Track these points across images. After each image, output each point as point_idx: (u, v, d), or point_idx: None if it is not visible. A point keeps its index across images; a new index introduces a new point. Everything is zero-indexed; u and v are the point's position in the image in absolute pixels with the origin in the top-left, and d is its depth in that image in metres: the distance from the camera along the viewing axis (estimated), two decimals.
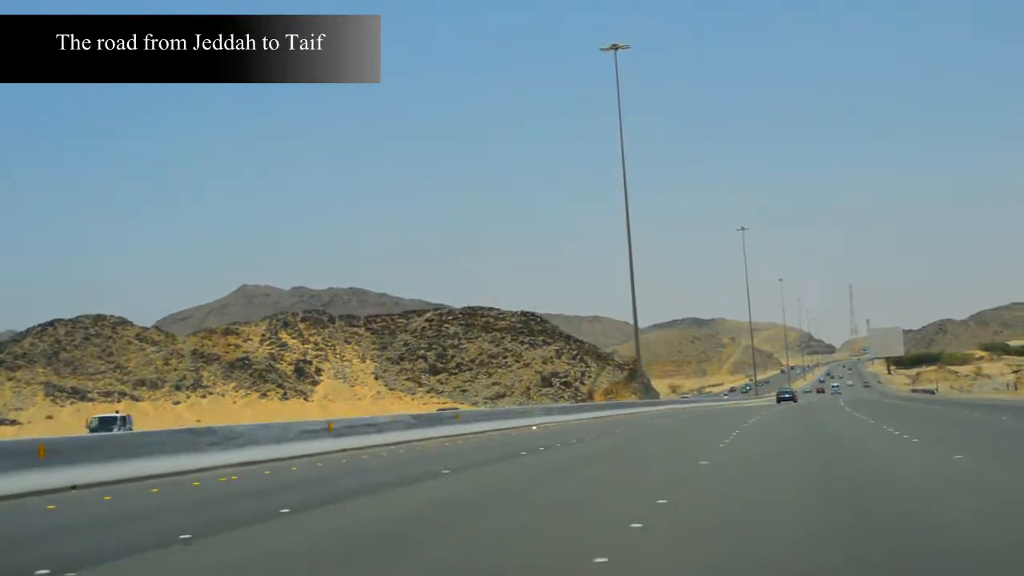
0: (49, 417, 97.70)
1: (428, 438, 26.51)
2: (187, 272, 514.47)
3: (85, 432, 30.16)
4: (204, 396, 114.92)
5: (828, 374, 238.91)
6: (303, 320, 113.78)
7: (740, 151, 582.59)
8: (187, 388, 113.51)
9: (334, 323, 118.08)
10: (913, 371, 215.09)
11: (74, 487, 14.07)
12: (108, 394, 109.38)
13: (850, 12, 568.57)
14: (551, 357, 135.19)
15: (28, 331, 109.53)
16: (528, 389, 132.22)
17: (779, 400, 75.82)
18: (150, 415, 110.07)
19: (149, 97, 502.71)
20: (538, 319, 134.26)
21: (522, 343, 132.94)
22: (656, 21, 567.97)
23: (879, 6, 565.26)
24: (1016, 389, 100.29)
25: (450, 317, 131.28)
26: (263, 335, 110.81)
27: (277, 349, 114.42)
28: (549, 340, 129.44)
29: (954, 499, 10.03)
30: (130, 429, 32.37)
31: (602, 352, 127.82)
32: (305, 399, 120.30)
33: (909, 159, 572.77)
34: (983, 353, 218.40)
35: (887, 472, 13.43)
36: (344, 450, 21.88)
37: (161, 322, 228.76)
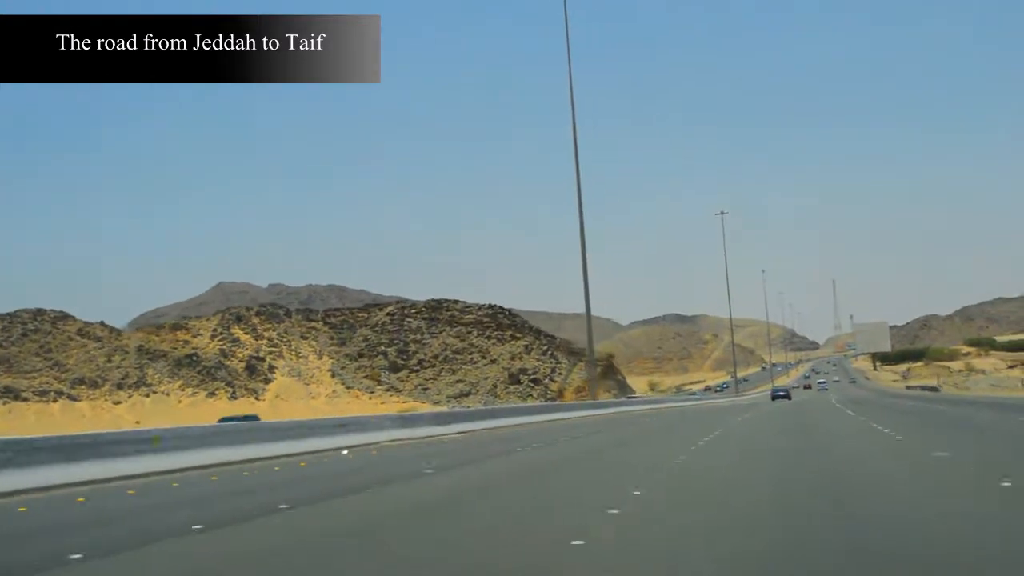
0: None
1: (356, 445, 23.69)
2: (166, 269, 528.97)
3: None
4: (147, 395, 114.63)
5: (813, 370, 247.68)
6: (258, 314, 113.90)
7: (727, 149, 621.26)
8: (129, 387, 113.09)
9: (290, 317, 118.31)
10: (900, 367, 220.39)
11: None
12: (44, 393, 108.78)
13: (833, 9, 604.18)
14: (520, 353, 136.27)
15: None
16: (495, 387, 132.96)
17: (773, 398, 78.75)
18: (87, 416, 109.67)
19: (147, 97, 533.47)
20: (507, 313, 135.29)
21: (489, 338, 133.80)
22: (646, 15, 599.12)
23: (860, 6, 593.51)
24: None
25: (413, 311, 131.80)
26: (214, 330, 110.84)
27: (229, 345, 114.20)
28: (518, 335, 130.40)
29: None
30: None
31: (574, 347, 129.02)
32: (256, 398, 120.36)
33: (893, 156, 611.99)
34: (970, 348, 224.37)
35: (919, 519, 8.79)
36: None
37: (136, 320, 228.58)
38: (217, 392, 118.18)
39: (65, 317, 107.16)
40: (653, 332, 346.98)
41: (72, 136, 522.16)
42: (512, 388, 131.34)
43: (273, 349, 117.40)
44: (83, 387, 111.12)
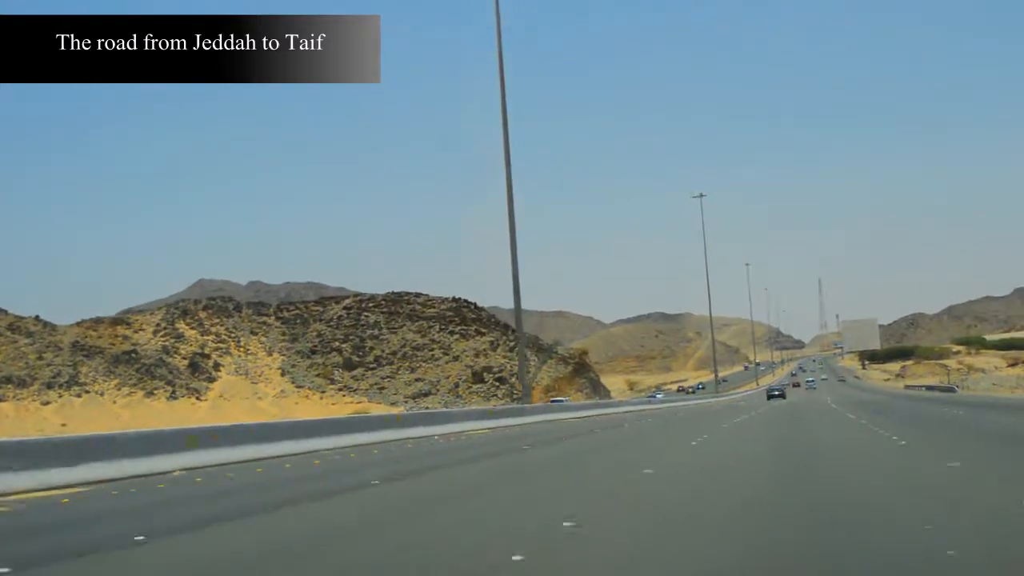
0: None
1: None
2: (146, 267, 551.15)
3: None
4: (79, 395, 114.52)
5: (800, 368, 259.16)
6: (205, 308, 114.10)
7: (714, 147, 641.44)
8: (60, 386, 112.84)
9: (240, 312, 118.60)
10: (889, 366, 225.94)
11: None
12: None
13: (821, 9, 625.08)
14: (485, 349, 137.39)
15: None
16: (456, 386, 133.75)
17: (769, 397, 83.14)
18: (10, 417, 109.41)
19: (138, 96, 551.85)
20: (472, 306, 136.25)
21: (452, 333, 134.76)
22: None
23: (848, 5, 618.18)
24: None
25: (371, 304, 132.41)
26: (158, 325, 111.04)
27: (172, 341, 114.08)
28: (483, 330, 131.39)
29: None
30: None
31: (545, 344, 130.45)
32: (198, 398, 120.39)
33: (879, 154, 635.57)
34: (960, 347, 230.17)
35: None
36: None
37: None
38: (156, 392, 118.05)
39: None
40: (635, 330, 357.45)
41: (57, 135, 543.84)
42: (476, 387, 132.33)
43: (220, 345, 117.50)
44: (9, 386, 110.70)
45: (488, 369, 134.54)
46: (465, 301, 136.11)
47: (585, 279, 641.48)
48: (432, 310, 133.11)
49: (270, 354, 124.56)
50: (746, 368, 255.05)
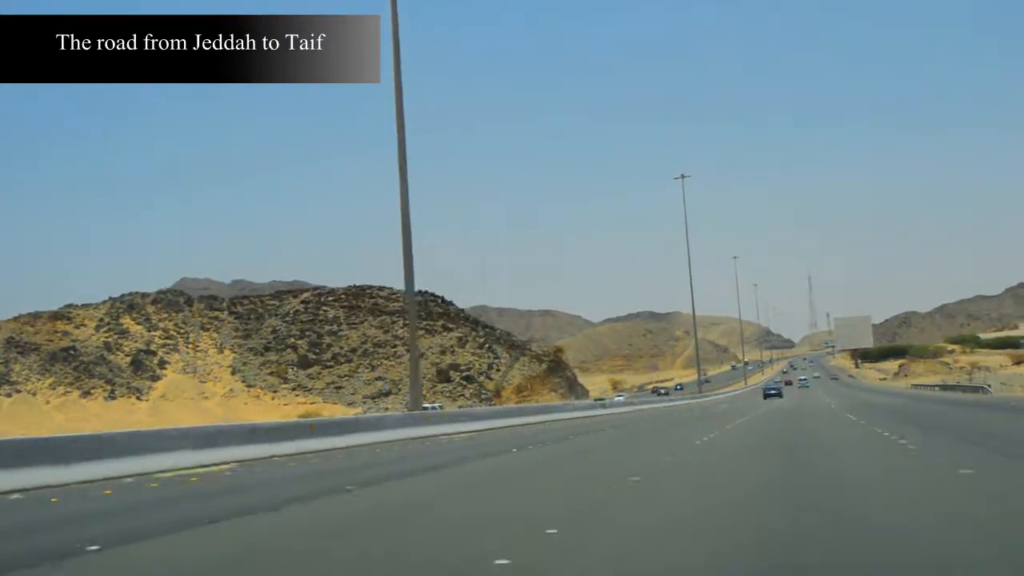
0: None
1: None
2: (130, 264, 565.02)
3: None
4: (9, 395, 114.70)
5: (791, 366, 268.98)
6: (154, 302, 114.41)
7: (707, 146, 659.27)
8: None
9: (192, 306, 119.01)
10: (883, 364, 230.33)
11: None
12: None
13: (813, 4, 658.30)
14: (452, 346, 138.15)
15: None
16: (421, 385, 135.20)
17: (765, 396, 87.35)
18: None
19: (141, 96, 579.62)
20: (438, 300, 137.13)
21: (417, 329, 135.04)
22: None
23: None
24: None
25: (331, 298, 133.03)
26: (101, 320, 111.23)
27: (115, 337, 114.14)
28: (451, 325, 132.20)
29: None
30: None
31: (517, 340, 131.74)
32: (138, 398, 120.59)
33: (869, 153, 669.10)
34: (954, 346, 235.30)
35: None
36: None
37: None
38: (93, 391, 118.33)
39: None
40: (623, 329, 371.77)
41: (57, 134, 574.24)
42: (441, 387, 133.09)
43: (168, 341, 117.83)
44: None
45: (455, 367, 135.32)
46: (432, 295, 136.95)
47: (575, 279, 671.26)
48: (396, 304, 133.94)
49: (221, 351, 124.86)
50: (734, 368, 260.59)
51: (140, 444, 18.58)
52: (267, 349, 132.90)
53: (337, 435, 26.67)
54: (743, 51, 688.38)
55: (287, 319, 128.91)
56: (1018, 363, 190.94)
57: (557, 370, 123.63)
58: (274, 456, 21.93)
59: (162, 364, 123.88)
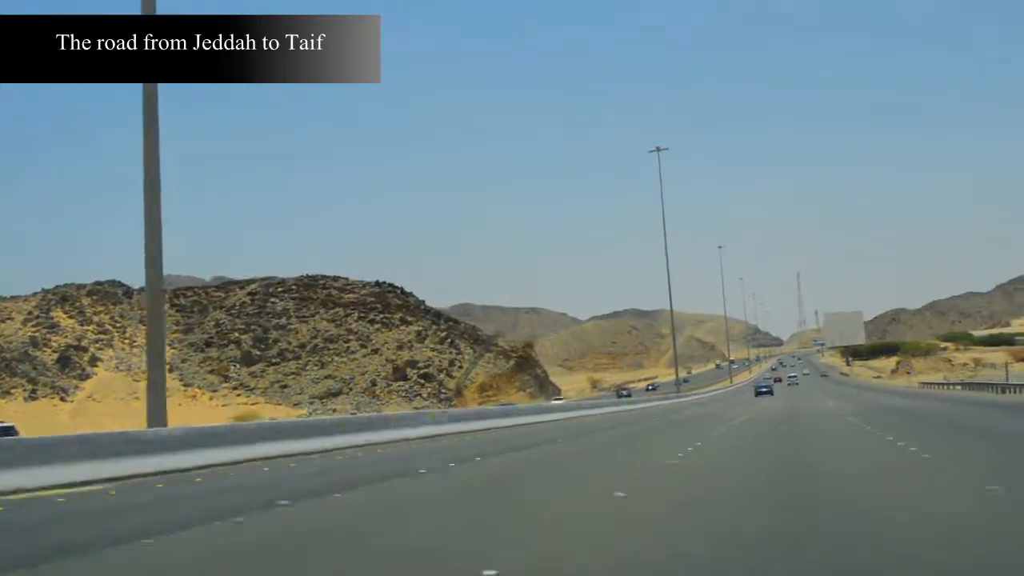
0: None
1: None
2: (113, 261, 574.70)
3: None
4: None
5: (780, 363, 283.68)
6: (90, 294, 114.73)
7: (694, 144, 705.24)
8: None
9: (131, 298, 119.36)
10: (873, 362, 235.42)
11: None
12: None
13: (804, 12, 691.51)
14: (410, 341, 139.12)
15: None
16: (374, 384, 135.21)
17: (757, 394, 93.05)
18: None
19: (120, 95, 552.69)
20: (398, 291, 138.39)
21: (373, 322, 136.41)
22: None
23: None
24: None
25: (281, 289, 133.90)
26: (30, 313, 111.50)
27: (44, 331, 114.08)
28: (410, 319, 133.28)
29: None
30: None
31: (483, 335, 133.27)
32: (62, 399, 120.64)
33: (858, 150, 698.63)
34: (947, 343, 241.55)
35: None
36: None
37: None
38: (13, 391, 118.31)
39: None
40: (608, 327, 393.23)
41: (57, 133, 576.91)
42: (396, 385, 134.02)
43: (102, 336, 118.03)
44: None
45: (412, 364, 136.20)
46: (390, 285, 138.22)
47: (563, 277, 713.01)
48: (351, 296, 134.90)
49: None
50: (718, 366, 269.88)
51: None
52: (208, 345, 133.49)
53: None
54: (730, 42, 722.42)
55: (232, 312, 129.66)
56: (1021, 360, 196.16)
57: (526, 367, 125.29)
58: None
59: (93, 361, 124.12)
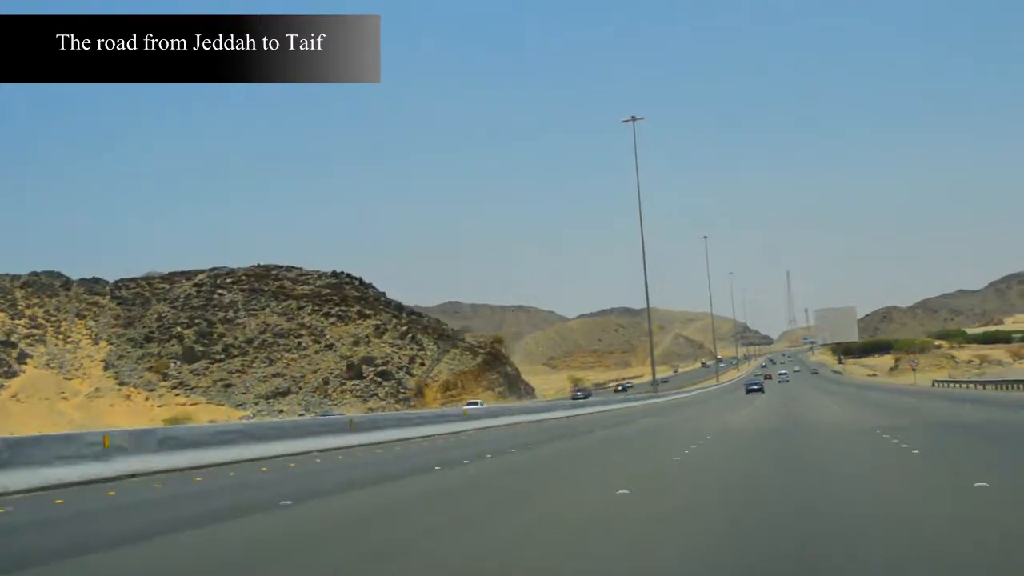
0: None
1: None
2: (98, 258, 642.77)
3: None
4: None
5: (770, 360, 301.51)
6: (25, 285, 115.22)
7: (685, 144, 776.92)
8: None
9: (69, 290, 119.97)
10: (866, 360, 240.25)
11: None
12: None
13: (797, 10, 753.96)
14: (368, 335, 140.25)
15: None
16: (326, 382, 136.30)
17: (748, 391, 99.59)
18: None
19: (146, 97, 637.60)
20: (356, 283, 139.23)
21: (328, 316, 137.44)
22: None
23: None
24: None
25: (229, 280, 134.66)
26: None
27: None
28: (368, 312, 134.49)
29: None
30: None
31: (448, 330, 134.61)
32: None
33: (851, 147, 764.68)
34: (941, 341, 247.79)
35: None
36: None
37: None
38: None
39: None
40: (594, 325, 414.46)
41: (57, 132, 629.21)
42: (351, 384, 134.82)
43: (34, 331, 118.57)
44: None
45: (369, 361, 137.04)
46: (348, 276, 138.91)
47: (553, 275, 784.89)
48: (305, 288, 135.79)
49: (96, 342, 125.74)
50: (704, 365, 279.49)
51: None
52: (148, 340, 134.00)
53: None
54: (727, 42, 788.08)
55: (176, 305, 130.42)
56: (1021, 357, 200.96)
57: (495, 365, 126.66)
58: None
59: (22, 358, 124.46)
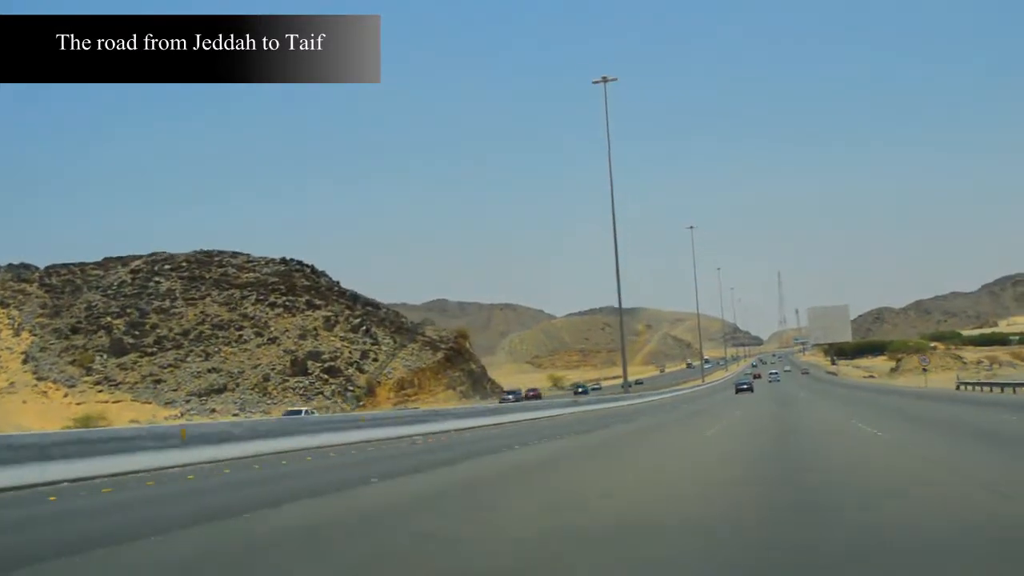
0: None
1: None
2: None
3: None
4: None
5: (761, 360, 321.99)
6: None
7: (682, 144, 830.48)
8: None
9: None
10: (860, 361, 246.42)
11: None
12: None
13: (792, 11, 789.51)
14: (316, 328, 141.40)
15: None
16: (267, 379, 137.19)
17: (737, 391, 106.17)
18: None
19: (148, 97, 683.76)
20: (306, 270, 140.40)
21: (274, 306, 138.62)
22: None
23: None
24: None
25: (168, 267, 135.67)
26: None
27: None
28: (318, 302, 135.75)
29: None
30: None
31: (407, 323, 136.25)
32: None
33: (843, 147, 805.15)
34: (936, 343, 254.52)
35: None
36: None
37: None
38: None
39: None
40: (581, 323, 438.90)
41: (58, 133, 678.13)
42: (295, 381, 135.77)
43: None
44: None
45: (316, 356, 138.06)
46: (299, 264, 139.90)
47: (541, 273, 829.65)
48: (250, 275, 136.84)
49: (18, 333, 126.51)
50: (690, 366, 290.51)
51: None
52: (75, 331, 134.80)
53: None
54: (708, 40, 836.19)
55: (108, 293, 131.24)
56: (1022, 359, 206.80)
57: (458, 361, 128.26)
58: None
59: None
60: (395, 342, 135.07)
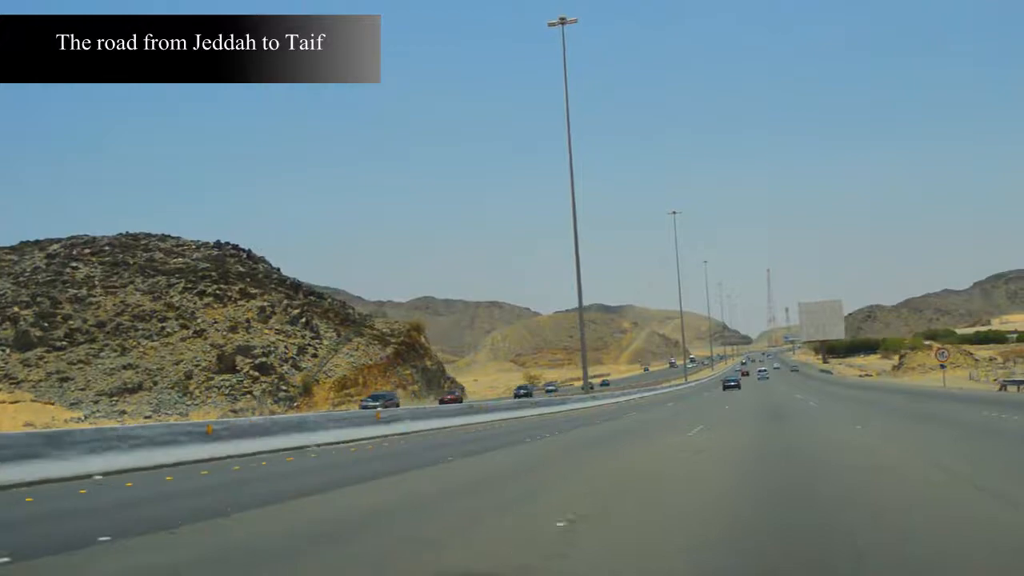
0: None
1: None
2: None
3: None
4: None
5: (749, 359, 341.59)
6: None
7: (672, 141, 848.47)
8: None
9: None
10: (853, 359, 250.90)
11: None
12: None
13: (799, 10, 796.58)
14: (248, 320, 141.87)
15: None
16: (189, 376, 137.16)
17: (725, 388, 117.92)
18: None
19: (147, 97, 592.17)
20: (243, 256, 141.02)
21: (203, 295, 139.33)
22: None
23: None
24: None
25: (87, 251, 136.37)
26: None
27: None
28: (254, 291, 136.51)
29: None
30: None
31: (354, 315, 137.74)
32: None
33: (835, 146, 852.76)
34: (929, 341, 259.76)
35: None
36: None
37: None
38: None
39: None
40: (566, 321, 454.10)
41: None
42: (220, 379, 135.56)
43: None
44: None
45: (246, 350, 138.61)
46: (234, 248, 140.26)
47: (528, 271, 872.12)
48: (179, 261, 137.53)
49: None
50: (672, 365, 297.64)
51: None
52: None
53: None
54: (713, 42, 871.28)
55: (21, 280, 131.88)
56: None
57: (410, 358, 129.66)
58: None
59: None
60: (339, 335, 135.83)
